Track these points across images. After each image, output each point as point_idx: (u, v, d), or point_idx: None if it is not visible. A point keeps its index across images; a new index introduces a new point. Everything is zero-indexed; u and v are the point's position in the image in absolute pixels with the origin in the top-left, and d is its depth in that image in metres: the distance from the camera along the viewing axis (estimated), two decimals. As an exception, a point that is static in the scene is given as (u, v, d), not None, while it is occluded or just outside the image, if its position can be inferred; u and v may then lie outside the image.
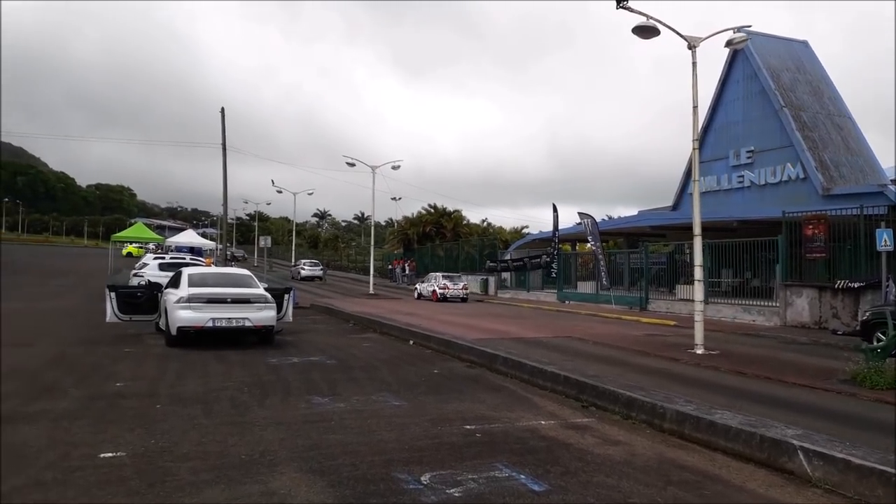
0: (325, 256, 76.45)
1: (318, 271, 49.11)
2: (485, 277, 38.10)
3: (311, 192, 61.25)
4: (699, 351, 12.47)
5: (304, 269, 49.10)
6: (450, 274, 34.91)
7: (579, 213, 28.08)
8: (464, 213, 57.26)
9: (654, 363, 11.25)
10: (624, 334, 15.99)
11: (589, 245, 28.99)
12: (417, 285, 35.14)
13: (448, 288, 31.84)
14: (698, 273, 13.05)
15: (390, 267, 52.06)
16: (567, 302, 28.63)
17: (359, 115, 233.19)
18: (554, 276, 30.75)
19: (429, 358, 11.59)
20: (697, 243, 13.05)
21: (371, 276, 39.05)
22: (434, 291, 32.05)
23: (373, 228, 41.78)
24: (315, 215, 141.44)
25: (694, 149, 13.38)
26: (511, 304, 29.14)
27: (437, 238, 52.99)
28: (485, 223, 66.63)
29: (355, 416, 6.97)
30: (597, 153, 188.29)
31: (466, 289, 32.30)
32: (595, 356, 11.87)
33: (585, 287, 28.85)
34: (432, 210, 56.70)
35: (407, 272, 47.69)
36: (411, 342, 13.60)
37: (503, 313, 23.37)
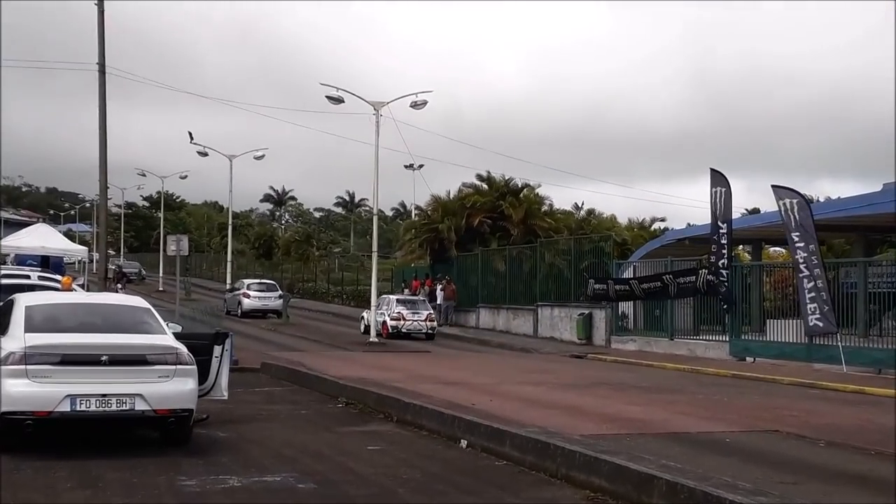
0: (286, 273, 76.44)
1: (273, 301, 49.66)
2: (585, 311, 37.82)
3: (260, 153, 61.49)
4: None
5: (248, 296, 49.61)
6: (408, 297, 41.59)
7: (776, 189, 27.41)
8: (541, 193, 56.02)
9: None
10: (880, 426, 15.53)
11: (789, 250, 27.78)
12: (364, 314, 41.23)
13: (404, 318, 38.28)
14: None
15: (407, 291, 51.37)
16: (750, 359, 28.27)
17: (343, 21, 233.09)
18: (725, 307, 30.20)
19: (504, 479, 11.03)
20: None
21: (373, 308, 38.25)
22: (385, 324, 38.29)
23: (375, 221, 41.25)
24: (268, 199, 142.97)
25: None
26: (640, 363, 29.00)
27: (495, 237, 51.94)
28: (581, 210, 65.28)
29: None
30: (780, 84, 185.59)
31: (433, 320, 39.13)
32: (840, 473, 11.31)
33: (783, 330, 28.40)
34: (484, 185, 55.43)
35: (440, 301, 46.80)
36: (464, 443, 13.23)
37: (631, 381, 23.27)
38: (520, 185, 54.79)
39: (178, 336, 13.18)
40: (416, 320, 37.98)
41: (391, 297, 41.07)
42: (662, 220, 66.07)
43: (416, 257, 57.63)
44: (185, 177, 79.93)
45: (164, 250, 51.12)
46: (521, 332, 42.00)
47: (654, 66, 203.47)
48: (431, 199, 56.61)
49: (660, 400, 18.72)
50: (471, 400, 16.68)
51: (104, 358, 11.69)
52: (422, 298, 41.79)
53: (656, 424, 15.05)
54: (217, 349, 14.00)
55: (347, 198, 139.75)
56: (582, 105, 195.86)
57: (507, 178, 55.09)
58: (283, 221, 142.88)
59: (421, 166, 63.28)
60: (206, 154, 61.13)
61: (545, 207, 55.55)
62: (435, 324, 39.01)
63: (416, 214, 66.66)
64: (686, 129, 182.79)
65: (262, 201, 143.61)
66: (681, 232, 40.45)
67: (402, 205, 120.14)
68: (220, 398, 14.19)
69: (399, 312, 37.93)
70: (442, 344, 37.25)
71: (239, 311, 48.08)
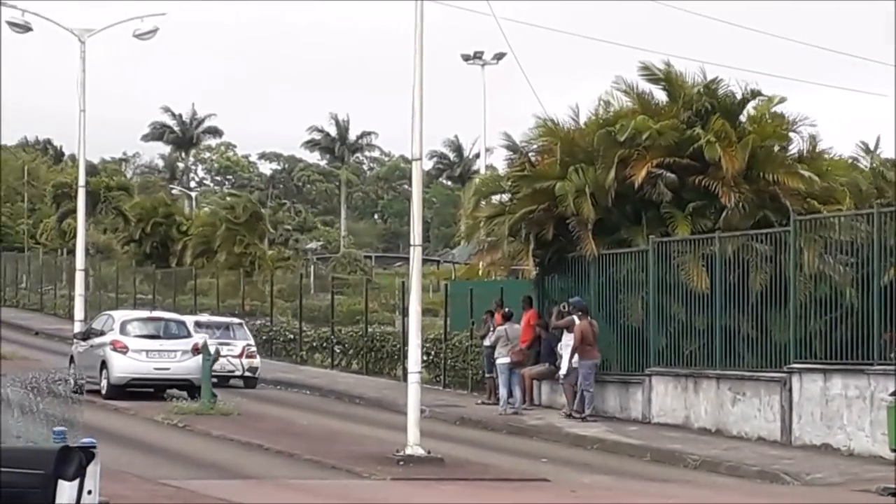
0: (205, 296, 47.55)
1: (179, 359, 28.16)
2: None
3: (147, 27, 35.38)
4: None
5: (123, 349, 27.91)
6: (213, 319, 31.74)
7: None
8: (784, 111, 28.26)
9: None
10: None
11: None
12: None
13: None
14: None
15: (492, 334, 29.65)
16: None
17: None
18: None
19: None
20: None
21: (412, 371, 20.55)
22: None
23: (417, 172, 20.55)
24: (161, 133, 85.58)
25: None
26: None
27: (684, 213, 27.05)
28: (876, 150, 31.24)
29: None
30: None
31: (252, 355, 30.08)
32: None
33: None
34: (658, 90, 29.04)
35: (564, 365, 25.78)
36: None
37: None
38: (738, 96, 28.30)
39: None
40: (224, 356, 27.37)
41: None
42: None
43: (505, 258, 30.87)
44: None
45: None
46: (751, 434, 23.18)
47: None
48: (539, 127, 29.06)
49: None
50: None
51: None
52: (237, 322, 31.58)
53: None
54: (67, 489, 5.90)
55: (333, 129, 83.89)
56: None
57: (707, 77, 28.60)
58: (193, 182, 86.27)
59: (500, 56, 40.21)
60: (27, 28, 34.36)
61: (798, 145, 29.18)
62: (256, 361, 29.50)
63: (488, 167, 41.85)
64: None
65: (148, 139, 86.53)
66: None
67: (455, 146, 79.47)
68: None
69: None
70: (562, 458, 20.83)
71: (104, 382, 27.06)
